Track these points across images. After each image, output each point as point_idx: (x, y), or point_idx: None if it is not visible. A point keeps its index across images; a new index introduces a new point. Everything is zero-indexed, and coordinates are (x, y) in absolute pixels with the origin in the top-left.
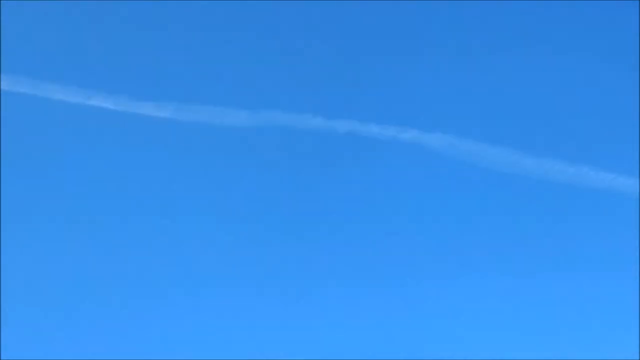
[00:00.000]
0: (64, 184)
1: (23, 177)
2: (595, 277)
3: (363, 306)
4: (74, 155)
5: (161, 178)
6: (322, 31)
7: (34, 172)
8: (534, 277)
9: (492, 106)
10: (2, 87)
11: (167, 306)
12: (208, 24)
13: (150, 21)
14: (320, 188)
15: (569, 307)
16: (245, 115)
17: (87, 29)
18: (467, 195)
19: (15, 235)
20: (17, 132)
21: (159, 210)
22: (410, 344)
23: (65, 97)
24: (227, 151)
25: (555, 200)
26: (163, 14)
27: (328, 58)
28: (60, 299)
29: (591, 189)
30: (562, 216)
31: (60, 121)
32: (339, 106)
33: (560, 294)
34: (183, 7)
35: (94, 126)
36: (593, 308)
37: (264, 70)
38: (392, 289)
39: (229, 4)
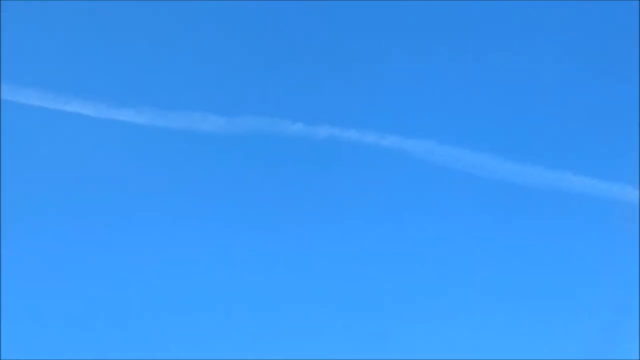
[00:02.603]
0: (44, 190)
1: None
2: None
3: (346, 309)
4: (53, 161)
5: (141, 184)
6: (301, 36)
7: (12, 178)
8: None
9: (473, 111)
10: None
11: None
12: (187, 28)
13: (129, 25)
14: (302, 194)
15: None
16: (224, 122)
17: (64, 33)
18: (448, 200)
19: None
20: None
21: (141, 216)
22: (402, 346)
23: (43, 103)
24: (206, 158)
25: (539, 205)
26: (141, 17)
27: (308, 63)
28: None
29: (574, 194)
30: (545, 220)
31: (38, 127)
32: (319, 112)
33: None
34: (161, 11)
35: (72, 132)
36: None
37: (244, 75)
38: (374, 292)
39: (207, 8)
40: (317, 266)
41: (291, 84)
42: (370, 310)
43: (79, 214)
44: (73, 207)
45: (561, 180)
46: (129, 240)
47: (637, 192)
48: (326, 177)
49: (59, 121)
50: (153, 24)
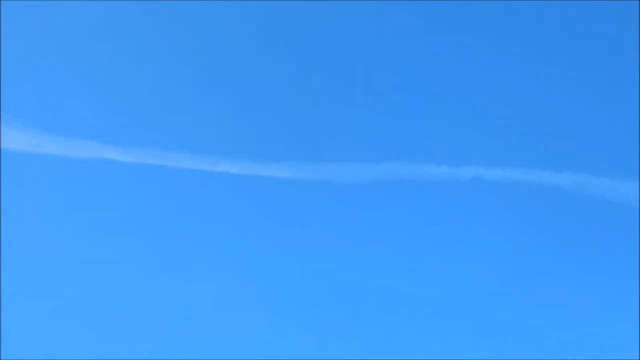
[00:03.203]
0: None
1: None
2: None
3: None
4: (213, 222)
5: (286, 237)
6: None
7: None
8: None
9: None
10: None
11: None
12: (321, 80)
13: (265, 81)
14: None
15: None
16: (366, 169)
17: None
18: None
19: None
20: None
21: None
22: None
23: (192, 165)
24: (354, 207)
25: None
26: (281, 74)
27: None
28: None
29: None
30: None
31: (187, 188)
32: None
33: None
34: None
35: (219, 192)
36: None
37: (377, 122)
38: None
39: (336, 56)
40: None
41: (425, 125)
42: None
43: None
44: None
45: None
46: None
47: None
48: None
49: (209, 182)
50: (287, 79)
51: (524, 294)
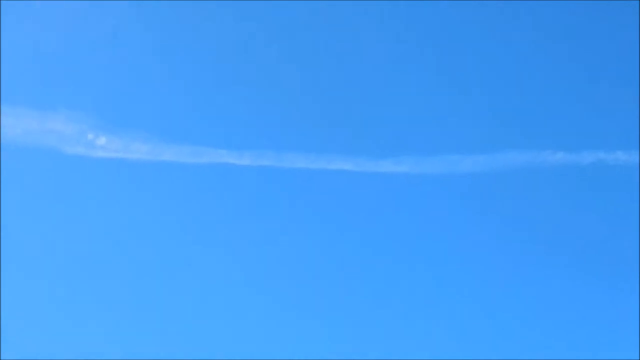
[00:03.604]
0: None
1: None
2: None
3: None
4: (326, 220)
5: (407, 233)
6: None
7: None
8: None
9: None
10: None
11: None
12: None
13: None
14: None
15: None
16: (483, 160)
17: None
18: None
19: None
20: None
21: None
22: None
23: (307, 165)
24: (471, 199)
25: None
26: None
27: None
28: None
29: None
30: None
31: (303, 188)
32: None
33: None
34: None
35: (336, 190)
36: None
37: (493, 110)
38: None
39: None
40: None
41: (539, 111)
42: None
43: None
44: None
45: None
46: None
47: None
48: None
49: (322, 180)
50: (397, 73)
51: None
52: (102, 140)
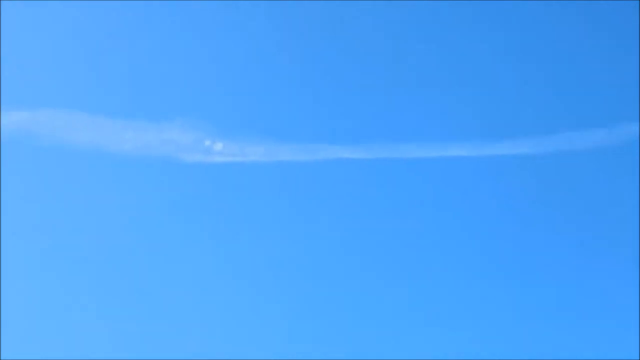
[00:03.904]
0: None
1: None
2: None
3: None
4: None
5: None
6: None
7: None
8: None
9: None
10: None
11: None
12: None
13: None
14: None
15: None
16: (603, 134)
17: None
18: None
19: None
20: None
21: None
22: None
23: (421, 154)
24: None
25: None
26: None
27: None
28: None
29: None
30: None
31: (420, 177)
32: None
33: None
34: None
35: (452, 177)
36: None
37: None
38: None
39: None
40: None
41: None
42: None
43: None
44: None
45: None
46: None
47: None
48: None
49: (440, 168)
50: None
51: None
52: (219, 146)
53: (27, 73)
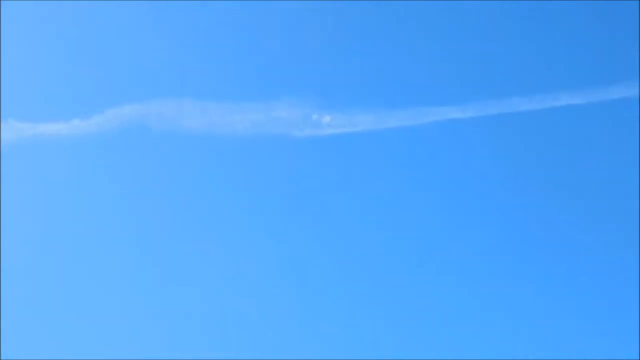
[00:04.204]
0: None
1: None
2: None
3: None
4: None
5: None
6: None
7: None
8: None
9: None
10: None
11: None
12: None
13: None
14: None
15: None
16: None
17: None
18: None
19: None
20: None
21: None
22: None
23: (531, 106)
24: None
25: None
26: None
27: None
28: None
29: None
30: None
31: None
32: None
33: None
34: None
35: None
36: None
37: None
38: None
39: None
40: None
41: None
42: None
43: None
44: None
45: None
46: None
47: None
48: None
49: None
50: None
51: None
52: (327, 119)
53: (136, 67)
